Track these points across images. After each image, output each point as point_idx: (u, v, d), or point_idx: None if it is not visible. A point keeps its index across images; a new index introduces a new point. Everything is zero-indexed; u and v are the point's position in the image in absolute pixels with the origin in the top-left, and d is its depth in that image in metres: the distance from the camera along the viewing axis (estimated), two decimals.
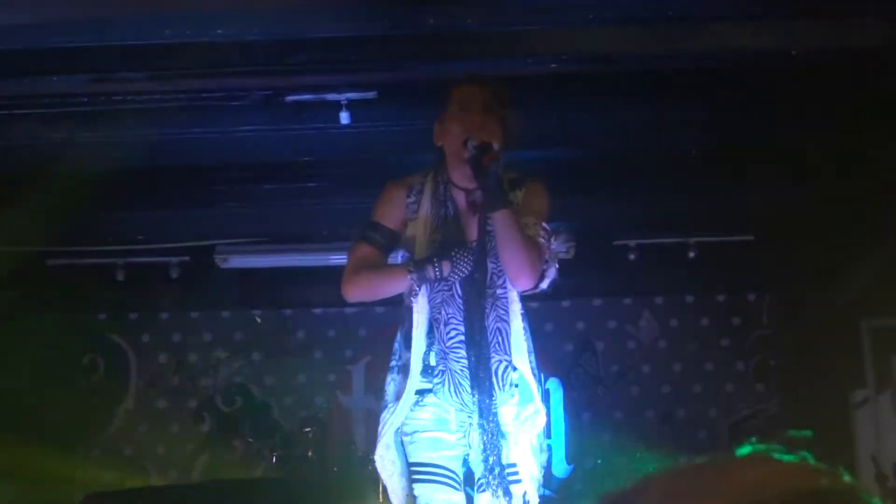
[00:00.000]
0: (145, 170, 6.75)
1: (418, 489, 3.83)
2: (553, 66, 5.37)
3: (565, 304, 9.50)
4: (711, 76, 5.77)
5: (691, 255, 8.33)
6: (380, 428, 3.90)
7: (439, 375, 3.78)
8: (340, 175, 7.00)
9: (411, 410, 3.83)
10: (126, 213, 7.57)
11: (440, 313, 3.77)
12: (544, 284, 3.93)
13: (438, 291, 3.79)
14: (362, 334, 9.38)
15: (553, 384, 9.31)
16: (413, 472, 3.85)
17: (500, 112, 3.83)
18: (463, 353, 3.74)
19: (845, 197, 6.96)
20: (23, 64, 5.08)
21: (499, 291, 3.82)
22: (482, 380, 3.72)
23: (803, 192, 7.19)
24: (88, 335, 9.61)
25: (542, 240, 3.86)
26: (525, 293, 3.93)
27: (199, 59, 5.12)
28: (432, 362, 3.80)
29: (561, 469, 9.20)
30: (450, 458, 3.83)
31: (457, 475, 3.82)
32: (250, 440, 8.72)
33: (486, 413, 3.71)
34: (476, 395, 3.72)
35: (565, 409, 9.31)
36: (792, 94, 5.98)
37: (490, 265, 3.77)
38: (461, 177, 3.85)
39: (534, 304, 9.03)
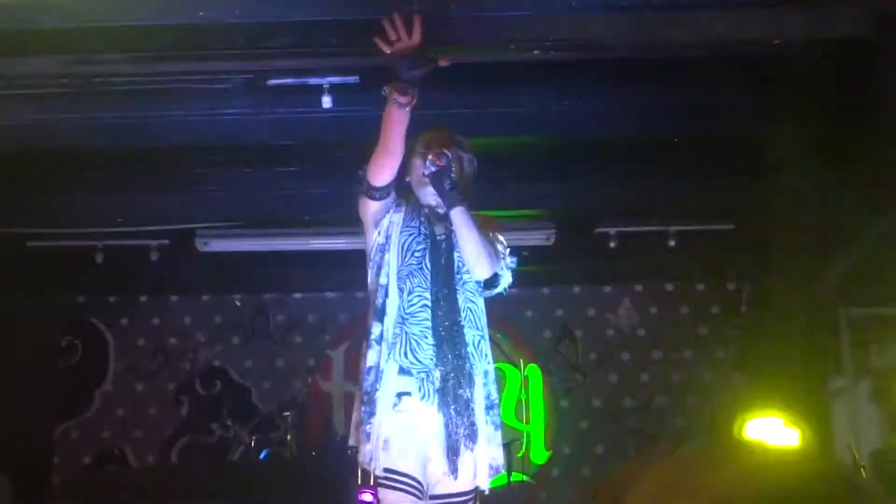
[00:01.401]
0: (126, 152, 6.72)
1: (383, 494, 4.09)
2: (535, 52, 5.35)
3: (545, 290, 9.53)
4: (693, 64, 5.77)
5: (671, 243, 8.34)
6: (369, 419, 4.12)
7: (394, 338, 4.14)
8: (322, 160, 6.98)
9: (391, 416, 4.10)
10: (106, 195, 7.52)
11: (405, 283, 4.19)
12: (500, 288, 4.37)
13: (407, 265, 4.20)
14: (342, 319, 9.38)
15: (532, 371, 9.34)
16: (379, 477, 4.09)
17: (456, 151, 4.26)
18: (423, 315, 4.15)
19: (825, 187, 6.97)
20: (1, 44, 5.03)
21: (465, 276, 4.25)
22: (453, 339, 4.16)
23: (783, 181, 7.20)
24: (67, 318, 9.59)
25: (499, 246, 4.33)
26: (484, 291, 4.35)
27: (181, 42, 5.09)
28: (397, 330, 4.17)
29: (539, 455, 9.23)
30: (416, 467, 4.09)
31: (421, 484, 4.09)
32: (229, 424, 8.73)
33: (459, 377, 4.12)
34: (441, 351, 4.13)
35: (544, 395, 9.35)
36: (774, 83, 5.98)
37: (457, 254, 4.24)
38: (427, 196, 4.29)
39: (513, 291, 9.05)
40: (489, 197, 7.03)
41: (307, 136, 6.37)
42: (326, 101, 5.80)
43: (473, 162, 4.34)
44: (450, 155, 4.13)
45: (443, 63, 4.03)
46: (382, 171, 4.15)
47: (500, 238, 4.38)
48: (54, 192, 7.42)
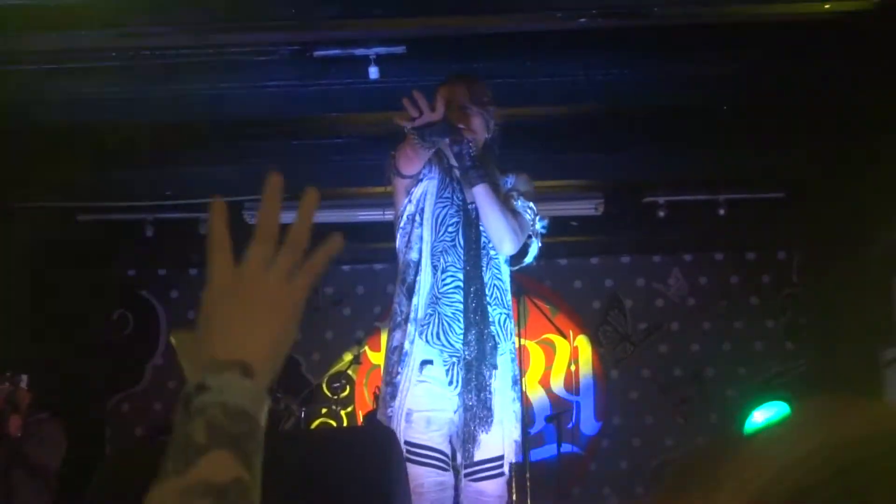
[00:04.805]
0: (173, 125, 6.75)
1: (410, 469, 4.03)
2: (581, 20, 5.30)
3: (594, 261, 9.48)
4: (743, 31, 5.71)
5: (721, 212, 8.28)
6: (391, 401, 4.14)
7: (426, 318, 4.13)
8: (369, 131, 6.98)
9: (414, 386, 4.11)
10: (154, 168, 7.57)
11: (439, 261, 4.17)
12: (528, 258, 4.29)
13: (441, 240, 4.18)
14: (391, 291, 9.35)
15: (581, 341, 9.31)
16: (405, 451, 4.04)
17: (478, 107, 4.22)
18: (456, 297, 4.12)
19: (876, 154, 6.89)
20: (49, 18, 5.06)
21: (492, 252, 4.21)
22: (479, 321, 4.10)
23: (834, 148, 7.12)
24: (118, 291, 9.66)
25: (527, 216, 4.24)
26: (513, 266, 4.31)
27: (227, 14, 5.09)
28: (430, 311, 4.16)
29: (589, 426, 9.22)
30: (441, 439, 4.09)
31: (447, 456, 4.09)
32: (278, 396, 8.75)
33: (482, 360, 4.08)
34: (468, 335, 4.08)
35: (593, 366, 9.32)
36: (824, 49, 5.91)
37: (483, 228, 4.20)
38: (453, 157, 4.20)
39: (562, 262, 9.04)
40: (537, 167, 7.01)
41: (354, 106, 6.37)
42: (373, 72, 5.78)
43: (496, 111, 4.28)
44: (468, 138, 4.07)
45: (466, 133, 4.06)
46: (410, 165, 4.16)
47: (531, 205, 4.30)
48: (103, 165, 7.47)
